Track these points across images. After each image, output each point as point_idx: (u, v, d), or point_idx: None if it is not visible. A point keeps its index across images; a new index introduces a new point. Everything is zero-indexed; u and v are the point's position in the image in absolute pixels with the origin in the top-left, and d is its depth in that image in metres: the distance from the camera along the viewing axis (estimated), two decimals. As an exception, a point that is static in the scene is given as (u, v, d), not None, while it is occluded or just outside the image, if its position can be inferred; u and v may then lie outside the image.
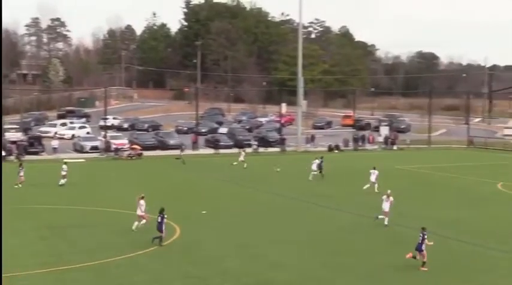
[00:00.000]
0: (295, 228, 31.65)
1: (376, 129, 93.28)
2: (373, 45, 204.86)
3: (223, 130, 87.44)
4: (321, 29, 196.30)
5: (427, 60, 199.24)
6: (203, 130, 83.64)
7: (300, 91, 77.89)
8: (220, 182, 48.55)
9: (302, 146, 75.03)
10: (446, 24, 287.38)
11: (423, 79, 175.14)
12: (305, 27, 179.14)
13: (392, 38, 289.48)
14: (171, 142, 72.74)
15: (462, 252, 27.42)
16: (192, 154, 67.95)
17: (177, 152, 62.92)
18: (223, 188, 45.30)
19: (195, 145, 71.56)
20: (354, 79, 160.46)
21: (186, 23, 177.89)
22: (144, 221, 29.65)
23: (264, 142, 75.52)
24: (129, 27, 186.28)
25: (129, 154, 63.62)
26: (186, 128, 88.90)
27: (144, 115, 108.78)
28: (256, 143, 72.63)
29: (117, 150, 64.53)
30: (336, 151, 73.52)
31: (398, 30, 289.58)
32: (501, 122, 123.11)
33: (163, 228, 27.24)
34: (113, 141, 67.69)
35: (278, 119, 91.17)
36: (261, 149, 71.93)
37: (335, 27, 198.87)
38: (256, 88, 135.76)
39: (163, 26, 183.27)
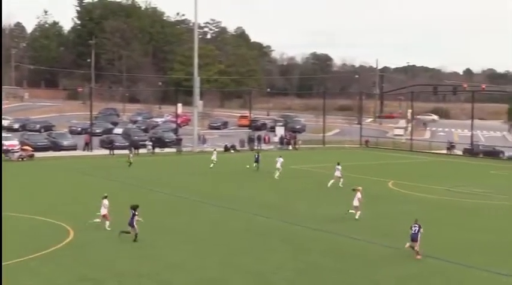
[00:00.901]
0: (192, 228, 31.52)
1: (272, 129, 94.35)
2: (268, 46, 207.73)
3: (118, 130, 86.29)
4: (217, 30, 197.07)
5: (321, 61, 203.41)
6: (98, 131, 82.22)
7: (196, 91, 77.69)
8: (115, 183, 47.79)
9: (198, 146, 74.91)
10: (340, 27, 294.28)
11: (317, 80, 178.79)
12: (201, 28, 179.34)
13: (287, 39, 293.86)
14: (65, 143, 71.22)
15: (355, 249, 28.05)
16: (86, 155, 66.74)
17: (77, 152, 61.59)
18: (118, 189, 44.55)
19: (88, 145, 70.25)
20: (250, 79, 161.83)
21: (79, 22, 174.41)
22: (105, 220, 30.06)
23: (160, 142, 74.94)
24: (19, 25, 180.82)
25: (20, 156, 61.71)
26: (80, 128, 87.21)
27: (36, 116, 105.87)
28: (151, 144, 71.98)
29: (7, 151, 62.44)
30: (232, 151, 73.90)
31: (293, 32, 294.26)
32: (392, 122, 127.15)
33: (135, 223, 27.71)
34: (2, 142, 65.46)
35: (174, 119, 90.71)
36: (157, 150, 71.38)
37: (231, 28, 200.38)
38: (151, 89, 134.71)
39: (55, 24, 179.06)
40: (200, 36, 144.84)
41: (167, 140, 77.41)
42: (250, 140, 78.85)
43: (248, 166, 56.68)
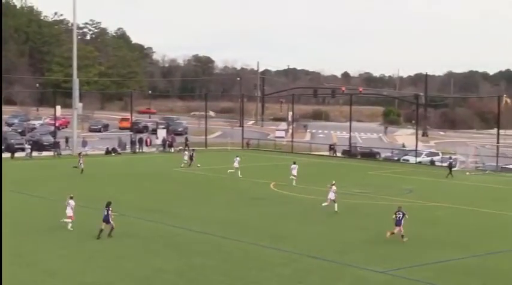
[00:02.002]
0: (72, 233, 30.75)
1: (154, 132, 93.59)
2: (149, 48, 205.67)
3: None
4: (97, 31, 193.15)
5: (203, 64, 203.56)
6: (-31, 135, 78.86)
7: (75, 93, 75.81)
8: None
9: (79, 149, 73.22)
10: (221, 29, 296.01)
11: (199, 83, 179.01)
12: (80, 28, 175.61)
13: (168, 41, 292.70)
14: None
15: (237, 250, 28.25)
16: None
17: None
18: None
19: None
20: (131, 81, 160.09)
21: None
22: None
23: (38, 145, 72.71)
24: None
25: None
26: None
27: None
28: (29, 147, 69.74)
29: None
30: (113, 154, 72.77)
31: (175, 33, 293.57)
32: (273, 124, 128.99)
33: (110, 219, 29.35)
34: None
35: (52, 122, 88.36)
36: (35, 154, 69.25)
37: (111, 29, 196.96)
38: (28, 90, 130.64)
39: None
40: (79, 37, 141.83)
41: (45, 143, 75.17)
42: (132, 143, 77.86)
43: (199, 165, 59.43)
